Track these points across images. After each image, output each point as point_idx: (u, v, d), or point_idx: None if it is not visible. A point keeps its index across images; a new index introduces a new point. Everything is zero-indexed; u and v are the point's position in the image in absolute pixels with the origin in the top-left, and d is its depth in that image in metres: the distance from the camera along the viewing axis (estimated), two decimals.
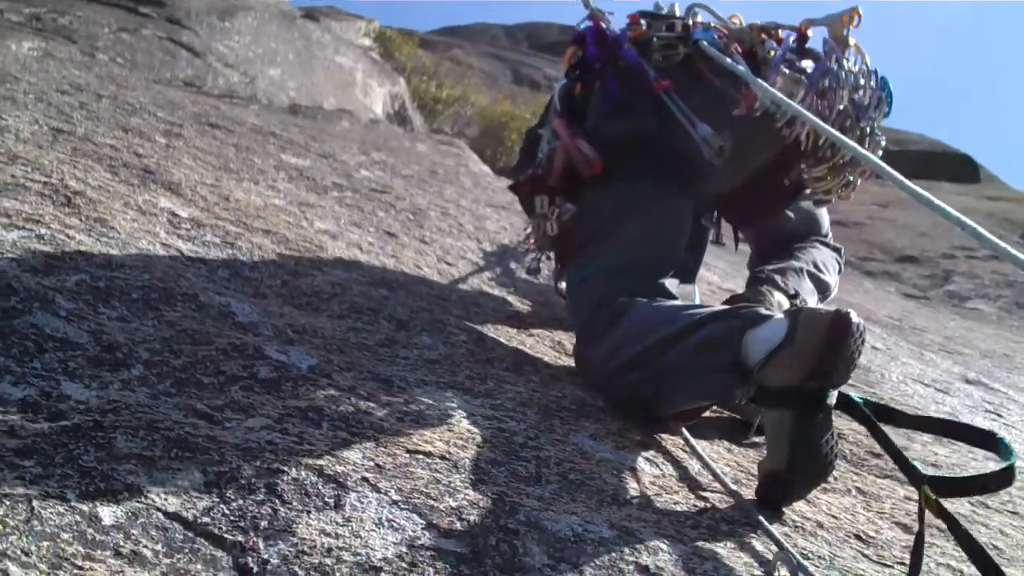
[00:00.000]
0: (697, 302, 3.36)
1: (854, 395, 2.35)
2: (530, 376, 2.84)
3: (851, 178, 3.22)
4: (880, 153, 3.14)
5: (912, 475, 2.07)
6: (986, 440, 2.30)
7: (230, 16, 11.27)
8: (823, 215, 3.64)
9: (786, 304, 3.00)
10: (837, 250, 3.54)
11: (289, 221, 3.83)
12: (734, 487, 2.33)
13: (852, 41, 3.08)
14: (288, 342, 2.46)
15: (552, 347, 3.31)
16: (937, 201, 2.14)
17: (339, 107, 10.53)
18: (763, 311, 2.40)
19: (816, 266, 3.34)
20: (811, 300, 3.19)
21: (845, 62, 3.05)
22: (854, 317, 2.15)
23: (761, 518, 2.14)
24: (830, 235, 3.63)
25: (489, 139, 15.46)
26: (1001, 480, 2.10)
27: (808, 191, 3.33)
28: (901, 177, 2.26)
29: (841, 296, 4.19)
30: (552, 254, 3.53)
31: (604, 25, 3.35)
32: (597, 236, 3.05)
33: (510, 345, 3.14)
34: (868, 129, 3.10)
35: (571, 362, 3.14)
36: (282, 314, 2.69)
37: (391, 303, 3.15)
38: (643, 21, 3.27)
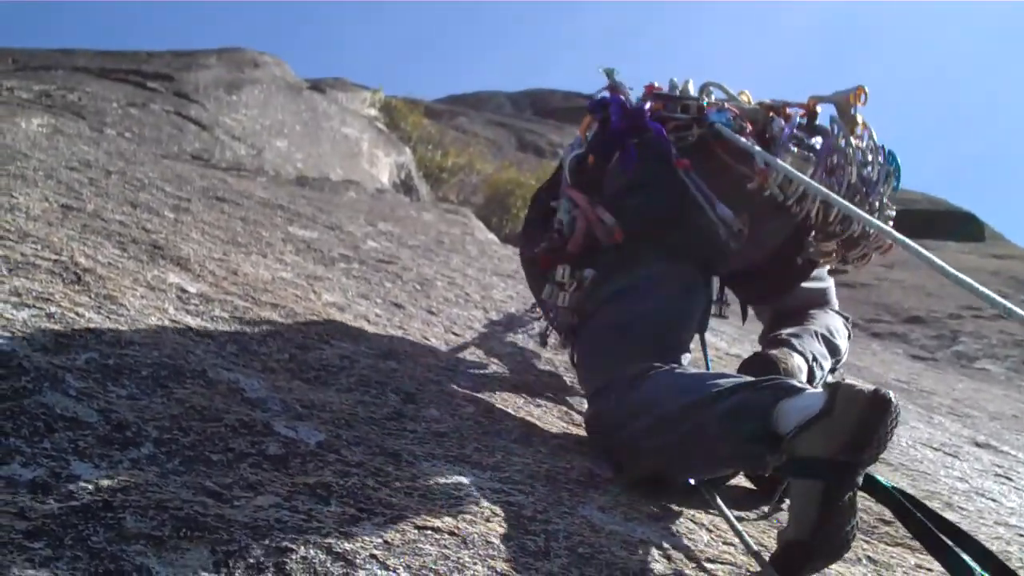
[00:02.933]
0: (715, 371, 3.36)
1: (880, 478, 2.36)
2: (538, 447, 2.84)
3: (865, 251, 3.26)
4: (891, 224, 3.17)
5: (960, 569, 2.10)
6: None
7: (237, 89, 11.40)
8: (831, 288, 3.67)
9: (805, 368, 3.02)
10: (845, 318, 3.57)
11: (297, 294, 3.86)
12: (756, 549, 2.33)
13: (860, 118, 3.13)
14: (297, 417, 2.46)
15: (560, 417, 3.32)
16: (953, 270, 2.16)
17: (346, 177, 10.61)
18: (797, 384, 2.41)
19: (829, 331, 3.36)
20: (826, 364, 3.21)
21: (853, 139, 3.09)
22: (892, 397, 2.16)
23: None
24: (836, 306, 3.66)
25: (495, 207, 15.52)
26: None
27: (822, 266, 3.36)
28: (919, 247, 2.29)
29: (849, 360, 4.18)
30: (566, 323, 3.53)
31: (624, 97, 3.38)
32: (613, 304, 3.05)
33: (518, 416, 3.14)
34: (877, 204, 3.13)
35: (580, 432, 3.14)
36: (290, 389, 2.69)
37: (399, 375, 3.16)
38: (655, 103, 3.32)
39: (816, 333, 3.29)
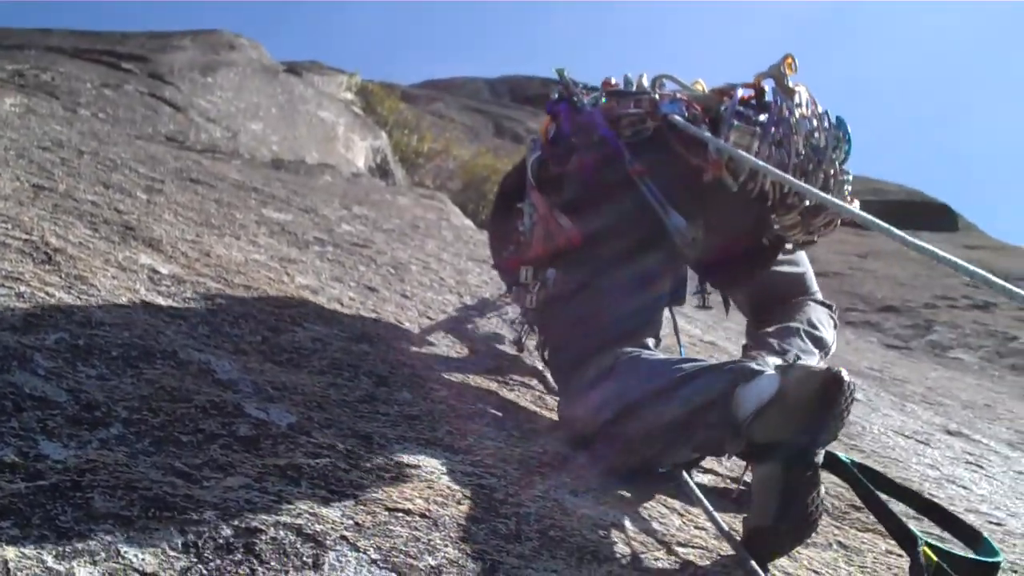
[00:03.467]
0: (682, 356, 3.36)
1: (841, 455, 2.37)
2: (510, 431, 2.84)
3: (829, 218, 3.26)
4: (848, 189, 3.19)
5: (906, 536, 2.10)
6: (971, 537, 2.30)
7: (212, 71, 11.34)
8: (809, 274, 3.66)
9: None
10: (829, 307, 3.56)
11: (270, 277, 3.84)
12: (728, 530, 2.33)
13: (801, 88, 3.14)
14: (268, 399, 2.45)
15: (533, 401, 3.31)
16: (918, 241, 2.17)
17: (321, 161, 10.58)
18: (755, 366, 2.40)
19: (811, 324, 3.35)
20: (812, 360, 3.19)
21: (796, 109, 3.09)
22: (845, 376, 2.16)
23: (754, 564, 2.15)
24: (818, 292, 3.65)
25: (471, 192, 15.51)
26: (989, 573, 2.14)
27: (790, 240, 3.36)
28: (865, 215, 2.31)
29: None
30: (534, 323, 3.54)
31: (576, 98, 3.37)
32: (578, 297, 3.06)
33: (490, 399, 3.14)
34: (832, 171, 3.13)
35: (552, 416, 3.14)
36: (262, 371, 2.68)
37: (371, 358, 3.15)
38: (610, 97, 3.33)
39: (798, 330, 3.29)
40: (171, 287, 3.19)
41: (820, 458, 2.21)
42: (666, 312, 3.27)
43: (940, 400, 6.50)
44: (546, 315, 3.23)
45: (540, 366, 3.74)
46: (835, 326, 3.51)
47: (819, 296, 3.63)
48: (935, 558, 2.09)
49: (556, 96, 3.47)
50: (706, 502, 2.49)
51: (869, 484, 2.37)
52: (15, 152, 4.58)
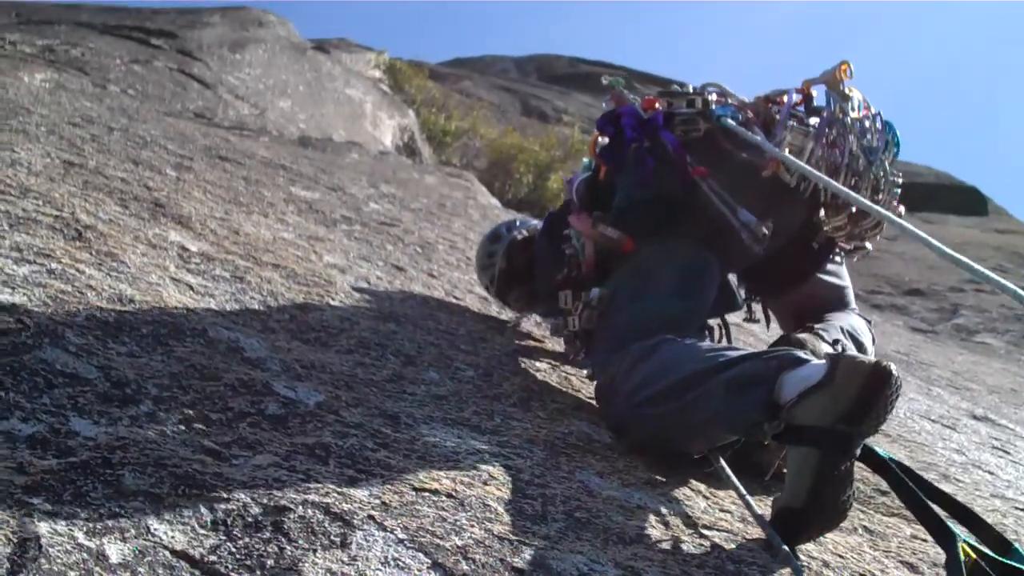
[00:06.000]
0: (725, 344, 3.35)
1: (880, 450, 2.37)
2: (537, 412, 2.85)
3: (878, 226, 3.28)
4: (897, 192, 3.22)
5: (945, 533, 2.12)
6: (1002, 545, 2.29)
7: (241, 48, 11.35)
8: (850, 289, 3.66)
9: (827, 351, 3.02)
10: (868, 321, 3.56)
11: (298, 255, 3.85)
12: (760, 513, 2.34)
13: (854, 92, 3.15)
14: (296, 378, 2.46)
15: (559, 382, 3.32)
16: (952, 252, 2.16)
17: (349, 139, 10.59)
18: (802, 355, 2.41)
19: (854, 328, 3.35)
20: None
21: (850, 110, 3.10)
22: (894, 370, 2.17)
23: (785, 547, 2.15)
24: (856, 308, 3.65)
25: (498, 171, 15.50)
26: None
27: (840, 247, 3.37)
28: (905, 224, 2.29)
29: None
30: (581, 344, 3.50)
31: (635, 104, 3.37)
32: (627, 306, 3.05)
33: (517, 380, 3.14)
34: (882, 172, 3.14)
35: (578, 397, 3.15)
36: (290, 349, 2.70)
37: (399, 338, 3.16)
38: (661, 102, 3.32)
39: (842, 328, 3.29)
40: (200, 265, 3.21)
41: (858, 449, 2.21)
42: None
43: (966, 385, 6.47)
44: (594, 330, 3.21)
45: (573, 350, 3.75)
46: (873, 340, 3.49)
47: (857, 311, 3.63)
48: (973, 555, 2.09)
49: (606, 106, 3.44)
50: (738, 483, 2.49)
51: (908, 480, 2.36)
52: (46, 128, 4.61)
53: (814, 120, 3.15)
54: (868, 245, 3.43)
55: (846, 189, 2.88)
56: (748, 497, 2.43)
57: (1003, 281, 2.19)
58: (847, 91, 3.15)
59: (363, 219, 5.25)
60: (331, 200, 5.56)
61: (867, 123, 3.16)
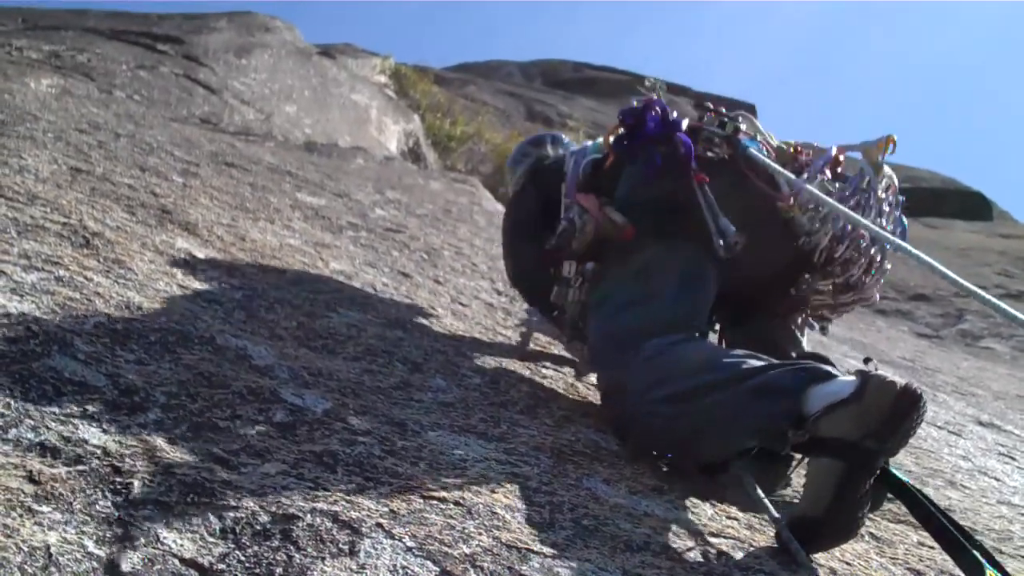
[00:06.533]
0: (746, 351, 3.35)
1: (899, 473, 2.39)
2: (543, 419, 2.85)
3: (853, 299, 3.28)
4: (882, 282, 3.25)
5: (969, 560, 2.13)
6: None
7: (247, 53, 11.36)
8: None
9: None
10: None
11: (305, 261, 3.86)
12: (776, 516, 2.35)
13: (888, 170, 3.13)
14: (304, 385, 2.47)
15: (565, 389, 3.32)
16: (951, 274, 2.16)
17: (354, 144, 10.59)
18: (832, 370, 2.43)
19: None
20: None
21: (878, 187, 3.09)
22: (922, 393, 2.22)
23: (798, 546, 2.17)
24: None
25: (503, 176, 15.47)
26: None
27: (809, 310, 3.35)
28: (910, 248, 2.30)
29: (855, 336, 4.19)
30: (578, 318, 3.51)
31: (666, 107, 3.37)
32: (626, 285, 3.04)
33: (523, 387, 3.15)
34: (879, 257, 3.14)
35: (585, 404, 3.15)
36: (297, 356, 2.70)
37: (405, 345, 3.16)
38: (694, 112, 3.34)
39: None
40: (208, 271, 3.22)
41: (879, 468, 2.23)
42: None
43: (972, 390, 6.46)
44: (593, 304, 3.22)
45: (574, 351, 3.75)
46: None
47: None
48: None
49: (635, 104, 3.44)
50: (761, 493, 2.49)
51: (927, 501, 2.37)
52: (53, 134, 4.62)
53: (839, 184, 3.14)
54: (832, 318, 3.42)
55: (872, 225, 2.85)
56: (767, 500, 2.44)
57: (995, 300, 2.20)
58: (883, 166, 3.13)
59: (369, 225, 5.25)
60: (337, 206, 5.56)
61: (886, 207, 3.15)
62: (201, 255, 3.37)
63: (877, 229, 2.76)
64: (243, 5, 14.37)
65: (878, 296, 3.28)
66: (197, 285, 3.04)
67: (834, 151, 3.19)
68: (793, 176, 3.01)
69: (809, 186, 2.95)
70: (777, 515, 2.37)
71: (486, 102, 22.94)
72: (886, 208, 3.13)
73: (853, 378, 2.30)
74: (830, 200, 2.87)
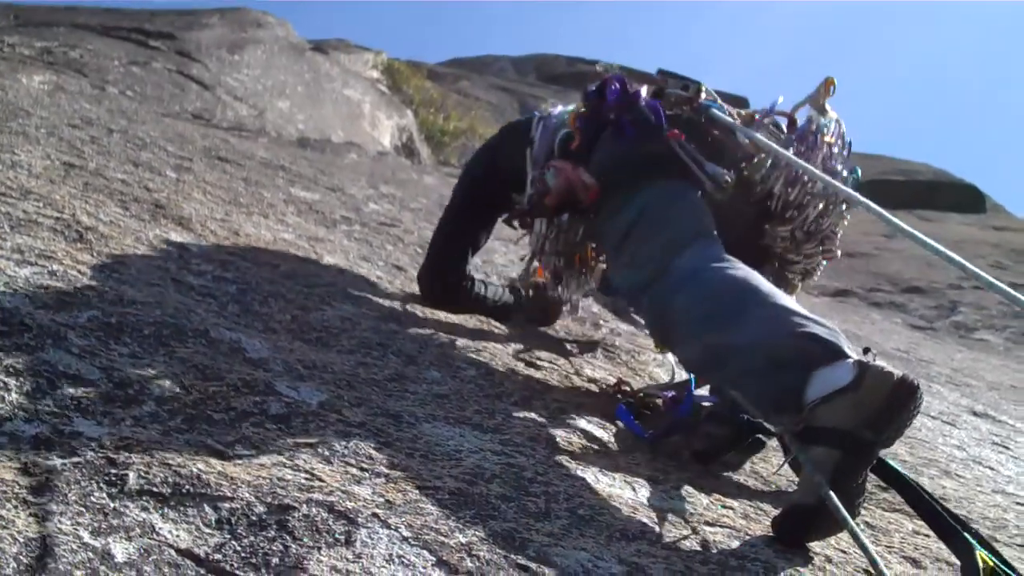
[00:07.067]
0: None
1: (891, 461, 2.39)
2: (539, 410, 2.85)
3: (816, 255, 3.29)
4: (844, 223, 3.29)
5: (961, 543, 2.14)
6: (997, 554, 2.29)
7: (239, 49, 11.35)
8: None
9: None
10: None
11: (299, 255, 3.86)
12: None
13: (833, 113, 3.21)
14: (298, 378, 2.47)
15: (560, 380, 3.32)
16: (931, 241, 2.17)
17: (347, 139, 10.59)
18: (845, 348, 2.40)
19: None
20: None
21: (825, 129, 3.15)
22: (919, 385, 2.22)
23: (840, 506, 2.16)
24: None
25: None
26: None
27: (778, 263, 3.36)
28: (867, 202, 2.33)
29: (849, 328, 4.19)
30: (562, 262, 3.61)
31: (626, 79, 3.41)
32: (642, 218, 3.04)
33: (518, 378, 3.15)
34: (834, 197, 3.16)
35: (580, 395, 3.15)
36: (292, 349, 2.70)
37: (400, 337, 3.16)
38: (656, 80, 3.39)
39: None
40: (201, 265, 3.21)
41: (875, 458, 2.25)
42: None
43: (966, 381, 6.47)
44: (565, 259, 3.39)
45: (566, 345, 3.75)
46: None
47: None
48: (992, 563, 2.10)
49: (594, 87, 3.45)
50: (849, 517, 2.47)
51: (920, 488, 2.38)
52: (46, 130, 4.61)
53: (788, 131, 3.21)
54: (815, 273, 3.43)
55: (821, 173, 2.90)
56: (860, 535, 2.40)
57: (992, 280, 2.20)
58: (828, 108, 3.20)
59: (363, 219, 5.25)
60: (331, 201, 5.56)
61: (835, 150, 3.21)
62: (195, 249, 3.37)
63: (816, 172, 2.88)
64: (236, 0, 14.34)
65: (839, 253, 3.33)
66: (191, 279, 3.04)
67: (781, 100, 3.29)
68: (744, 127, 3.13)
69: (757, 134, 3.06)
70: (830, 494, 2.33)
71: (479, 97, 22.92)
72: (835, 151, 3.20)
73: (851, 365, 2.29)
74: (772, 145, 3.00)
